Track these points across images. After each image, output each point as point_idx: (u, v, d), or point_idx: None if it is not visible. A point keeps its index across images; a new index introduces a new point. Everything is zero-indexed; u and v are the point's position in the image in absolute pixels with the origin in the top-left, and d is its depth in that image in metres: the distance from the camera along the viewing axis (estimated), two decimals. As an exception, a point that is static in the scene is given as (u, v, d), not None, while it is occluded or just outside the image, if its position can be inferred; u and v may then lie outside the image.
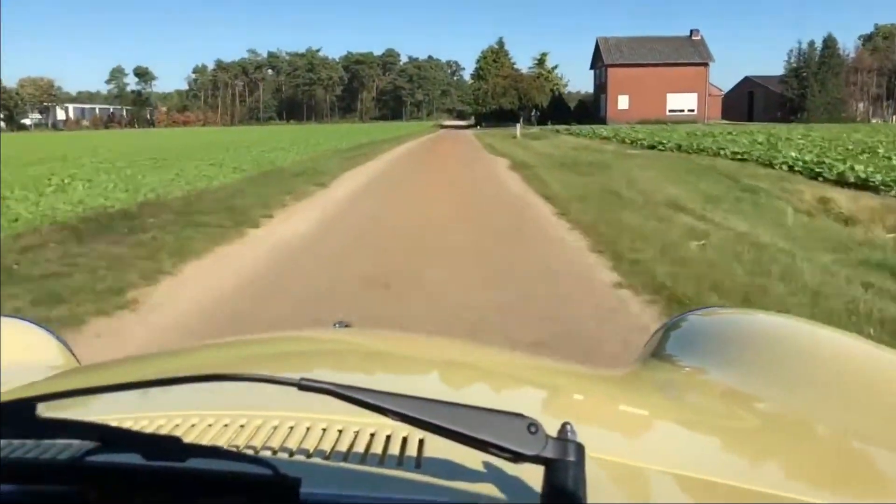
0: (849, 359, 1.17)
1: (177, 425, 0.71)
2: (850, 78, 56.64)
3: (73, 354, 1.46)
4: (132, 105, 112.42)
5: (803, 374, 1.06)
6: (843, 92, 56.48)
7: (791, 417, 0.94)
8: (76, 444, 0.62)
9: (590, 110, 65.30)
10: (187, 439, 0.62)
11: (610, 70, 60.72)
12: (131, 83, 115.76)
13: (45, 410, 0.56)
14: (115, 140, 41.48)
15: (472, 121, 75.34)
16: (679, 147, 20.33)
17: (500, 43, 72.49)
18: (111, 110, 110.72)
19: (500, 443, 0.53)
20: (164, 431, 0.69)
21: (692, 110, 60.33)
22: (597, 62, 64.67)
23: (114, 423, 0.64)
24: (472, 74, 74.16)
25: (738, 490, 0.67)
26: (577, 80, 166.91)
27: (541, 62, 69.29)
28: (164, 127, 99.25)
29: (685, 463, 0.71)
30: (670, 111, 59.97)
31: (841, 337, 1.31)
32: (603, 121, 58.43)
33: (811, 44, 57.05)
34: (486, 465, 0.60)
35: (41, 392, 0.57)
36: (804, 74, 56.86)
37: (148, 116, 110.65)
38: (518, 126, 35.90)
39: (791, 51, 58.11)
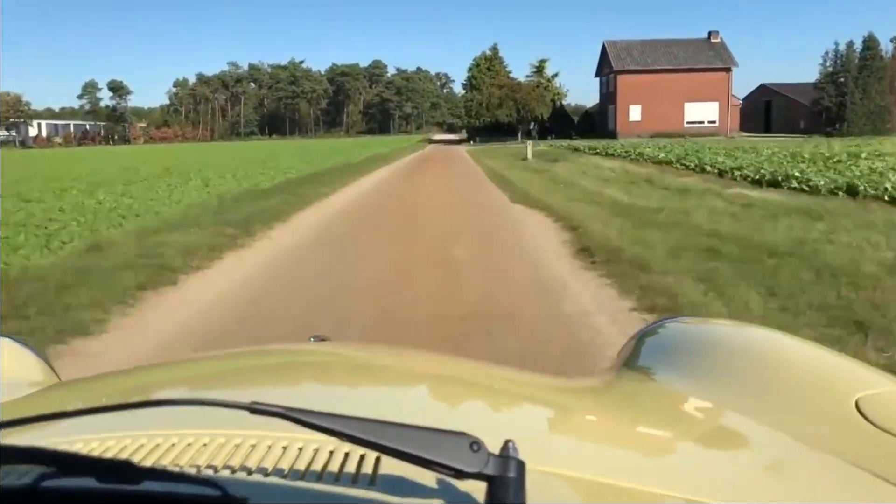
0: (823, 373, 1.11)
1: (141, 445, 0.69)
2: (893, 83, 47.59)
3: (53, 370, 1.44)
4: (106, 121, 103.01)
5: (774, 386, 1.04)
6: (887, 99, 47.44)
7: (754, 429, 0.92)
8: (33, 470, 0.61)
9: (596, 123, 56.13)
10: (143, 462, 0.63)
11: (619, 77, 51.53)
12: (105, 98, 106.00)
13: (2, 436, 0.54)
14: None
15: (463, 134, 66.15)
16: (850, 189, 10.85)
17: (495, 49, 63.21)
18: (86, 126, 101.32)
19: (444, 461, 0.54)
20: (123, 454, 0.68)
21: (713, 121, 51.24)
22: (603, 68, 55.44)
23: (76, 445, 0.66)
24: (463, 84, 64.74)
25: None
26: (575, 91, 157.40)
27: (539, 70, 59.96)
28: (142, 143, 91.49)
29: (639, 476, 0.71)
30: (688, 123, 50.84)
31: (814, 350, 1.23)
32: (612, 134, 49.30)
33: (849, 45, 48.04)
34: (440, 481, 0.60)
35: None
36: (842, 80, 47.85)
37: (125, 132, 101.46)
38: (528, 144, 26.52)
39: (826, 53, 48.96)
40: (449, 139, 67.39)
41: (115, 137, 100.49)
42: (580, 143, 37.55)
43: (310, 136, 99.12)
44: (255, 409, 0.55)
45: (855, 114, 46.93)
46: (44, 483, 0.55)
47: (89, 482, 0.54)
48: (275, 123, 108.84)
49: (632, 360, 1.29)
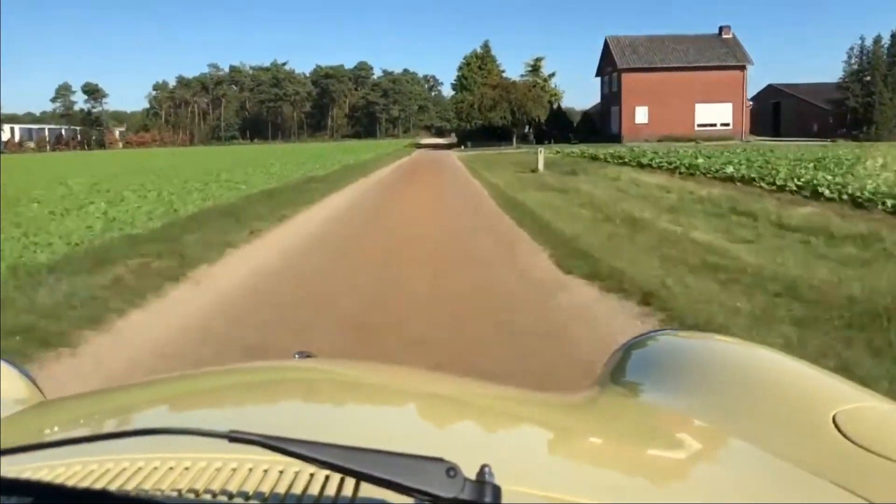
0: (803, 388, 1.08)
1: (123, 469, 0.69)
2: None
3: (38, 387, 1.40)
4: (81, 125, 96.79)
5: (754, 401, 1.02)
6: (917, 100, 42.60)
7: (733, 445, 0.91)
8: (8, 501, 0.60)
9: (597, 126, 50.93)
10: (125, 486, 0.62)
11: (624, 76, 46.35)
12: (80, 101, 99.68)
13: None
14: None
15: (453, 138, 60.76)
16: None
17: (486, 47, 57.83)
18: (62, 131, 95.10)
19: (421, 487, 0.54)
20: (105, 479, 0.67)
21: (726, 124, 46.18)
22: (605, 67, 50.24)
23: (58, 469, 0.66)
24: (453, 84, 59.25)
25: None
26: (567, 92, 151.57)
27: (535, 69, 54.62)
28: (120, 149, 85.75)
29: (619, 495, 0.71)
30: (699, 126, 45.77)
31: (795, 365, 1.20)
32: (616, 138, 44.20)
33: (877, 40, 43.19)
34: None
35: None
36: (868, 79, 42.97)
37: (101, 137, 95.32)
38: (539, 152, 21.13)
39: (851, 49, 44.21)
40: (438, 143, 62.06)
41: (92, 142, 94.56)
42: (589, 148, 32.26)
43: (293, 141, 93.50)
44: (234, 438, 0.55)
45: (884, 115, 42.14)
46: None
47: None
48: (257, 127, 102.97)
49: (617, 373, 1.29)
